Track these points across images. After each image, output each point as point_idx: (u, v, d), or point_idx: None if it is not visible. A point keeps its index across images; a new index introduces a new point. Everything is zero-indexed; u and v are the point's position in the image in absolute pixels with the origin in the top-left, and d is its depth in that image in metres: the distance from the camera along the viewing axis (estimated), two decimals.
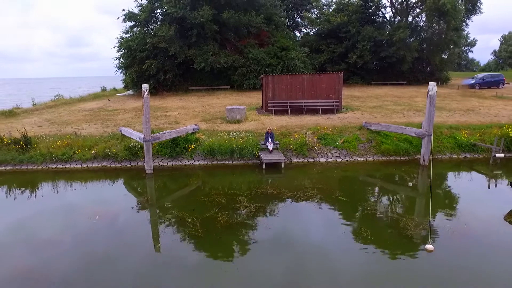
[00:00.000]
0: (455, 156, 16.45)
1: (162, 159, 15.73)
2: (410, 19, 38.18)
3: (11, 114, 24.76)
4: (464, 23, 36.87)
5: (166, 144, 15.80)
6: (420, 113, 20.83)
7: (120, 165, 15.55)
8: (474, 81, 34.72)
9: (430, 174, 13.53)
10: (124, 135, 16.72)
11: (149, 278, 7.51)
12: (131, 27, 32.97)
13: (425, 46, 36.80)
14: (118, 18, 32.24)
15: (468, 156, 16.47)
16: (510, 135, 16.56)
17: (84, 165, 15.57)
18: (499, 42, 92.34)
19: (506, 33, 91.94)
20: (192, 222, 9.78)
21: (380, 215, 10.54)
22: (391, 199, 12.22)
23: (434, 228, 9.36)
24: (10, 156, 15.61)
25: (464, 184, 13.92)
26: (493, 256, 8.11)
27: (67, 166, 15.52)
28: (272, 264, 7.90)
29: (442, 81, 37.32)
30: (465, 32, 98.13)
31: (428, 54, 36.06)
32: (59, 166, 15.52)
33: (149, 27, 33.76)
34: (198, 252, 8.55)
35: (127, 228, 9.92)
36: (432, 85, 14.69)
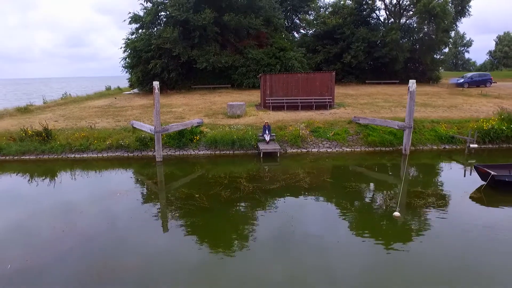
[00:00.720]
0: (435, 147, 18.17)
1: (170, 149, 17.45)
2: (403, 21, 39.91)
3: (26, 110, 26.53)
4: (454, 25, 38.51)
5: (173, 135, 17.54)
6: (404, 109, 22.50)
7: (132, 154, 17.28)
8: (463, 80, 36.44)
9: (406, 160, 15.26)
10: (135, 127, 18.45)
11: (164, 239, 9.26)
12: (137, 29, 34.71)
13: (417, 46, 38.51)
14: (124, 20, 34.06)
15: (447, 147, 18.18)
16: (484, 128, 18.30)
17: (100, 155, 17.30)
18: (494, 43, 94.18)
19: (502, 33, 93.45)
20: (200, 197, 11.52)
21: (360, 192, 12.28)
22: (371, 180, 13.92)
23: (404, 202, 11.09)
24: (33, 147, 17.35)
25: (439, 169, 15.67)
26: (450, 222, 9.83)
27: (84, 155, 17.27)
28: (266, 223, 9.64)
29: (433, 80, 39.05)
30: (462, 33, 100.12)
31: (420, 54, 37.78)
32: (77, 156, 17.26)
33: (154, 28, 35.51)
34: (205, 219, 10.27)
35: (144, 202, 11.65)
36: (412, 82, 16.42)
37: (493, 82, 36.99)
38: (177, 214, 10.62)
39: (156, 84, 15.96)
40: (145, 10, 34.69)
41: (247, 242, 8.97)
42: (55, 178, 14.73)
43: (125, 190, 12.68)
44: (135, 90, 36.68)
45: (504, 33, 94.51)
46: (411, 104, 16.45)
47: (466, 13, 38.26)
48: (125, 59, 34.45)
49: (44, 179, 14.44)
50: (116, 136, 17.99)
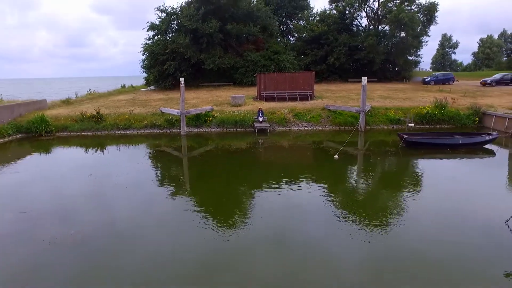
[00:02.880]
0: (385, 127, 24.61)
1: (189, 127, 23.92)
2: (380, 27, 46.31)
3: (69, 102, 32.96)
4: (423, 31, 44.80)
5: (192, 117, 24.00)
6: (370, 101, 28.92)
7: (162, 131, 23.76)
8: (429, 78, 42.87)
9: (361, 134, 21.70)
10: (163, 112, 24.91)
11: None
12: (153, 35, 41.16)
13: (392, 50, 44.87)
14: (143, 28, 40.54)
15: (395, 127, 24.59)
16: (422, 113, 24.76)
17: (138, 131, 23.78)
18: (477, 45, 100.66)
19: (485, 36, 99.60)
20: (215, 149, 18.01)
21: (323, 149, 18.76)
22: (330, 144, 20.36)
23: (344, 152, 17.57)
24: (90, 126, 23.82)
25: (380, 139, 22.12)
26: (374, 161, 16.30)
27: (128, 132, 23.74)
28: (257, 172, 16.13)
29: (406, 79, 45.50)
30: (449, 35, 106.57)
31: (394, 56, 44.14)
32: (122, 132, 23.73)
33: (167, 35, 41.95)
34: (218, 162, 16.71)
35: (174, 161, 18.10)
36: (364, 79, 22.92)
37: (455, 81, 43.39)
38: (196, 170, 17.10)
39: (182, 80, 22.55)
40: (160, 19, 41.12)
41: (243, 180, 15.47)
42: (106, 148, 21.07)
43: (159, 154, 19.15)
44: (152, 87, 43.12)
45: (488, 36, 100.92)
46: (364, 95, 22.95)
47: (434, 22, 44.58)
48: (144, 61, 40.92)
49: (98, 149, 20.84)
50: (150, 118, 24.49)
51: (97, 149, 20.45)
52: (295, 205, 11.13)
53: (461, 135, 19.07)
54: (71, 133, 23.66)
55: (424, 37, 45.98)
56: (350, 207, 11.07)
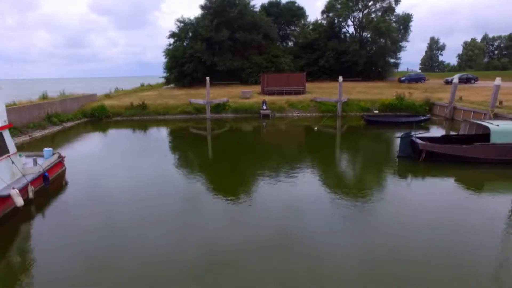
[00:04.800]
0: (357, 113, 32.81)
1: (212, 114, 32.16)
2: (365, 34, 54.65)
3: (109, 96, 41.17)
4: (402, 38, 53.16)
5: (213, 106, 32.23)
6: (349, 95, 37.17)
7: (191, 116, 32.00)
8: (404, 78, 51.19)
9: (339, 118, 30.00)
10: (191, 102, 33.12)
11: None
12: (174, 42, 49.47)
13: (374, 54, 53.18)
14: (166, 36, 48.95)
15: (364, 113, 32.83)
16: (385, 103, 33.00)
17: (173, 117, 32.01)
18: (462, 47, 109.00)
19: (469, 39, 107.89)
20: (230, 129, 26.30)
21: (309, 126, 27.05)
22: (315, 125, 28.58)
23: (322, 128, 25.84)
24: (137, 112, 32.06)
25: (352, 120, 30.34)
26: (340, 135, 24.58)
27: (165, 117, 31.98)
28: (261, 143, 24.41)
29: (385, 78, 53.85)
30: (436, 39, 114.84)
31: (375, 59, 52.45)
32: (160, 117, 31.96)
33: (184, 42, 50.25)
34: (233, 137, 24.95)
35: (200, 138, 26.35)
36: (340, 78, 31.19)
37: (426, 80, 51.71)
38: (218, 143, 25.39)
39: (207, 78, 30.87)
40: (179, 28, 49.41)
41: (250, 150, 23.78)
42: (149, 129, 29.28)
43: (189, 133, 27.41)
44: (172, 85, 51.38)
45: (472, 39, 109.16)
46: (340, 90, 31.24)
47: (410, 30, 52.97)
48: (167, 64, 49.24)
49: (144, 130, 29.03)
50: (182, 106, 32.74)
51: (143, 129, 28.67)
52: (288, 154, 19.40)
53: (404, 117, 27.33)
54: (124, 118, 31.89)
55: (403, 42, 54.33)
56: (316, 152, 19.34)
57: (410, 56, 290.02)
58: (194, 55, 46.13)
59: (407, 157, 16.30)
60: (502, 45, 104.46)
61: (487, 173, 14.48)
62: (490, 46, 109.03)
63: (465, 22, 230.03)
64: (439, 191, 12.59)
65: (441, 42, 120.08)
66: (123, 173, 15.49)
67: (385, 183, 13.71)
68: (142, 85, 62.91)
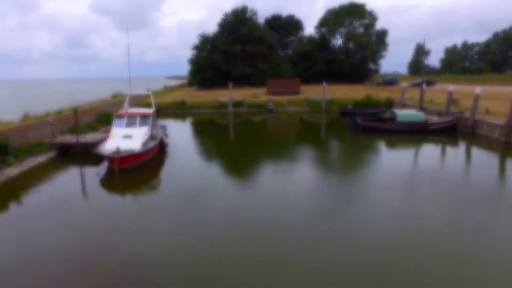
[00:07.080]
0: (334, 108, 45.43)
1: (233, 108, 44.74)
2: (350, 46, 67.22)
3: (140, 97, 53.73)
4: (378, 49, 65.68)
5: (235, 102, 44.84)
6: (333, 95, 49.65)
7: (217, 110, 44.61)
8: (381, 81, 63.75)
9: (323, 111, 42.64)
10: (217, 100, 45.73)
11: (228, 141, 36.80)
12: (196, 52, 62.14)
13: (357, 62, 65.70)
14: (191, 48, 61.75)
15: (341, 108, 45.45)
16: (357, 101, 45.57)
17: (205, 110, 44.64)
18: (444, 52, 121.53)
19: (450, 45, 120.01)
20: (245, 118, 38.96)
21: (301, 117, 39.71)
22: (304, 116, 41.12)
23: (309, 117, 38.43)
24: (178, 107, 44.70)
25: (332, 113, 42.95)
26: (324, 123, 37.22)
27: (200, 110, 44.63)
28: (267, 128, 37.05)
29: (366, 82, 66.42)
30: (422, 43, 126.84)
31: (358, 66, 65.00)
32: (196, 111, 44.61)
33: (204, 52, 62.93)
34: (248, 125, 37.55)
35: (224, 125, 38.99)
36: (324, 83, 43.79)
37: (398, 83, 64.22)
38: (238, 129, 38.06)
39: (230, 83, 43.45)
40: (200, 41, 62.09)
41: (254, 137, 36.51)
42: (187, 119, 41.89)
43: (217, 120, 40.07)
44: (194, 87, 64.00)
45: (452, 45, 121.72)
46: (324, 91, 43.87)
47: (385, 44, 65.58)
48: (191, 70, 61.92)
49: (184, 120, 41.62)
50: (211, 103, 45.37)
51: (183, 119, 41.26)
52: (284, 135, 32.00)
53: (368, 110, 39.84)
54: (169, 111, 44.48)
55: (383, 51, 66.94)
56: (302, 133, 31.93)
57: (410, 57, 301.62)
58: (213, 64, 58.74)
59: (354, 130, 28.77)
60: (478, 50, 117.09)
61: (395, 136, 26.97)
62: (470, 52, 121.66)
63: (465, 22, 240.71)
64: (370, 146, 25.09)
65: (427, 47, 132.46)
66: (195, 142, 28.03)
67: (339, 141, 26.24)
68: (166, 86, 75.82)
